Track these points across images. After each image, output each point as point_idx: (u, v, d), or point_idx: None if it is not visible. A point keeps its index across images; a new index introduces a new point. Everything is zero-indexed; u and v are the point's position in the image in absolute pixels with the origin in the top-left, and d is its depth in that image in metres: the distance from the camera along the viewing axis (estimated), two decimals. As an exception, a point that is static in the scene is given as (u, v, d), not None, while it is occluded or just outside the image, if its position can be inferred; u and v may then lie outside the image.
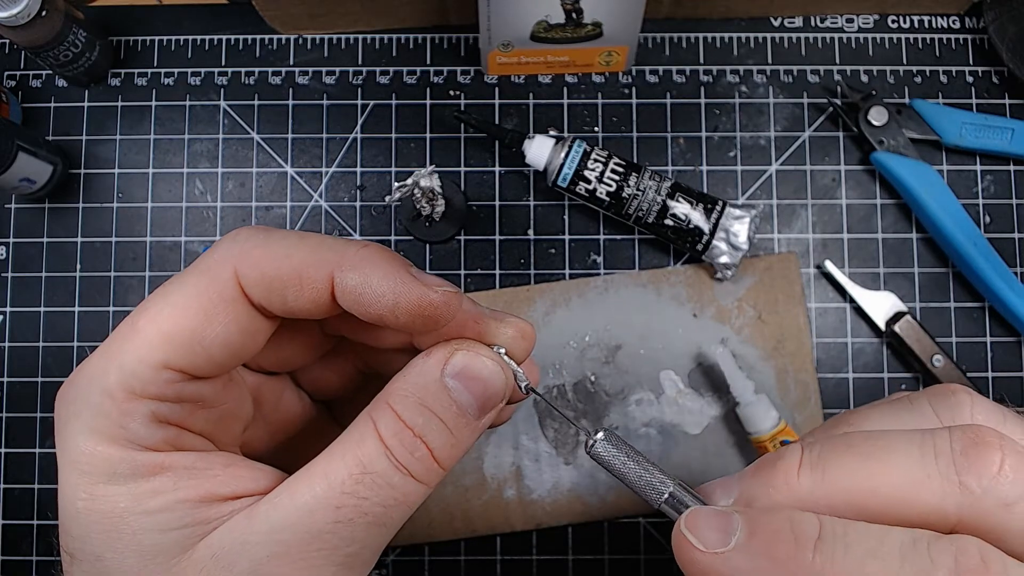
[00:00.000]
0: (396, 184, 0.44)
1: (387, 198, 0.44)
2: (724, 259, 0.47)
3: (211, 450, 0.25)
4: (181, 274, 0.25)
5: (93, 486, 0.23)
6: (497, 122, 0.52)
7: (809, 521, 0.19)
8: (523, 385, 0.25)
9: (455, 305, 0.24)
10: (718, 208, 0.47)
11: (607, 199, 0.48)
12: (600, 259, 0.51)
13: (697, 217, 0.47)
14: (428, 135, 0.52)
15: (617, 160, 0.48)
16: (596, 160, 0.47)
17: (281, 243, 0.24)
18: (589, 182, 0.47)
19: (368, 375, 0.32)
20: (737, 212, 0.47)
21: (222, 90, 0.52)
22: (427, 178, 0.43)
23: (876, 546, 0.18)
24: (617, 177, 0.47)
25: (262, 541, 0.23)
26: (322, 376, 0.31)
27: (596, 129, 0.52)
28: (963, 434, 0.20)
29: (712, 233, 0.47)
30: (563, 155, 0.47)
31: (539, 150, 0.48)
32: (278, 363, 0.29)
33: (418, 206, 0.47)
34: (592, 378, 0.49)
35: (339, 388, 0.32)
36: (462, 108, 0.52)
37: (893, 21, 0.52)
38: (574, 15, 0.46)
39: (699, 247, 0.47)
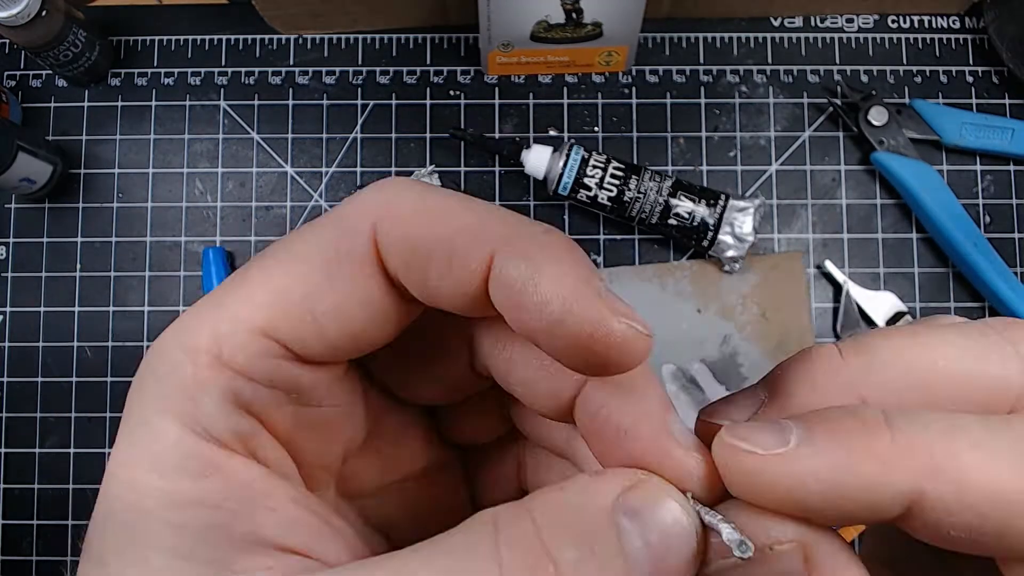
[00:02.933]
0: None
1: None
2: (731, 252, 0.47)
3: (287, 475, 0.19)
4: (314, 223, 0.19)
5: (133, 468, 0.17)
6: (497, 123, 0.52)
7: (870, 408, 0.15)
8: (735, 546, 0.15)
9: (640, 350, 0.16)
10: (721, 202, 0.47)
11: (609, 204, 0.48)
12: (600, 259, 0.51)
13: (702, 212, 0.47)
14: (428, 135, 0.52)
15: (616, 164, 0.48)
16: (595, 166, 0.47)
17: (440, 202, 0.18)
18: (590, 189, 0.47)
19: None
20: (741, 204, 0.47)
21: (222, 90, 0.52)
22: (427, 178, 0.43)
23: (955, 421, 0.15)
24: (617, 181, 0.47)
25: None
26: (463, 418, 0.23)
27: (596, 129, 0.52)
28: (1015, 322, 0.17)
29: (717, 227, 0.47)
30: (561, 164, 0.47)
31: (537, 160, 0.48)
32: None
33: None
34: (592, 378, 0.49)
35: (481, 435, 0.24)
36: (461, 108, 0.52)
37: (893, 21, 0.52)
38: (574, 15, 0.46)
39: (705, 243, 0.48)
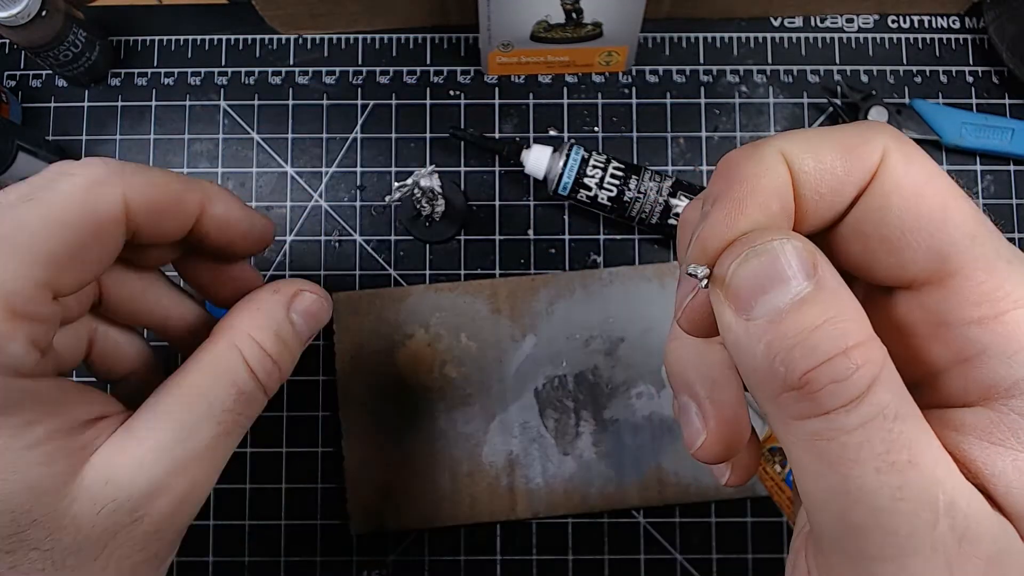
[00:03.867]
0: (396, 184, 0.44)
1: (387, 198, 0.44)
2: None
3: (66, 384, 0.26)
4: (48, 186, 0.25)
5: None
6: (497, 123, 0.52)
7: None
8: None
9: (270, 231, 0.32)
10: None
11: (609, 204, 0.48)
12: (600, 259, 0.51)
13: (697, 217, 0.47)
14: (428, 135, 0.52)
15: (616, 164, 0.48)
16: (595, 166, 0.47)
17: (157, 175, 0.27)
18: (590, 189, 0.47)
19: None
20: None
21: (222, 90, 0.52)
22: (427, 178, 0.43)
23: (822, 128, 0.20)
24: (617, 182, 0.47)
25: (155, 459, 0.25)
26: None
27: (596, 129, 0.52)
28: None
29: (713, 232, 0.47)
30: (561, 164, 0.47)
31: (537, 161, 0.48)
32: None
33: (418, 206, 0.47)
34: (594, 369, 0.49)
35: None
36: (461, 108, 0.52)
37: (893, 21, 0.52)
38: (574, 15, 0.46)
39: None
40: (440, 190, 0.45)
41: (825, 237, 0.21)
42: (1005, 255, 0.18)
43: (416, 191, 0.45)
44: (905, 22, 0.52)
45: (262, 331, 0.29)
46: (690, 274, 0.19)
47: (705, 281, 0.19)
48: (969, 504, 0.17)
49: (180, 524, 0.27)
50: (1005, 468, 0.17)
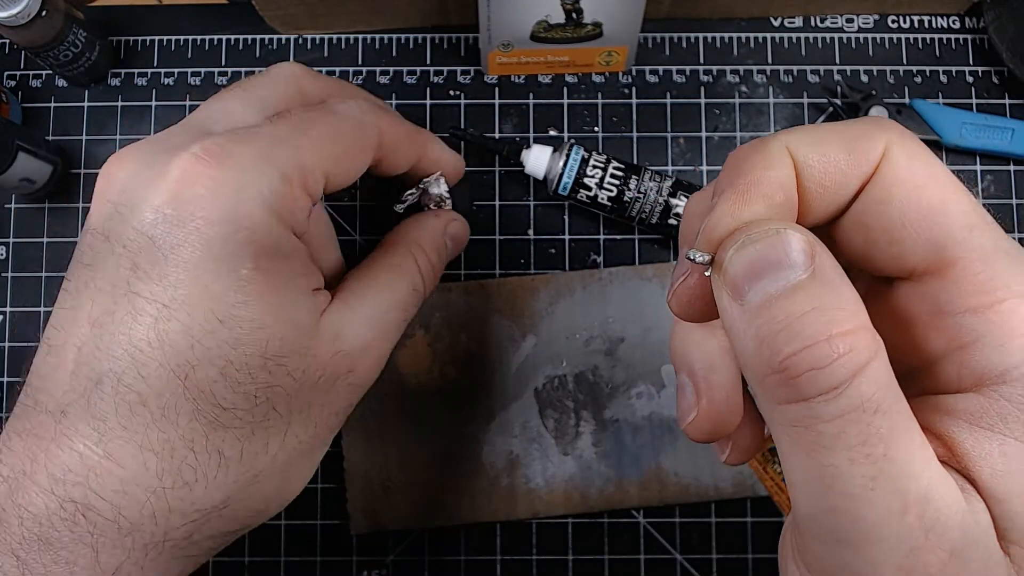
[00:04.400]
0: (407, 192, 0.44)
1: (397, 207, 0.44)
2: None
3: (313, 240, 0.36)
4: (337, 106, 0.35)
5: (261, 258, 0.29)
6: (497, 123, 0.52)
7: None
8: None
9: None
10: (718, 207, 0.47)
11: (609, 204, 0.48)
12: (600, 259, 0.51)
13: (697, 217, 0.47)
14: (428, 135, 0.52)
15: (616, 164, 0.48)
16: (595, 166, 0.47)
17: (392, 117, 0.39)
18: (590, 189, 0.47)
19: None
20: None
21: (222, 90, 0.52)
22: (435, 184, 0.43)
23: (826, 124, 0.24)
24: (617, 182, 0.47)
25: (367, 326, 0.34)
26: None
27: (596, 129, 0.52)
28: None
29: (713, 232, 0.47)
30: (561, 164, 0.47)
31: (537, 161, 0.48)
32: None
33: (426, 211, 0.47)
34: (594, 369, 0.49)
35: None
36: (461, 108, 0.52)
37: (893, 21, 0.52)
38: (574, 15, 0.46)
39: (701, 246, 0.47)
40: (448, 195, 0.45)
41: (828, 229, 0.22)
42: (1003, 247, 0.19)
43: (425, 198, 0.45)
44: (905, 22, 0.52)
45: (429, 244, 0.39)
46: (688, 258, 0.20)
47: (708, 268, 0.20)
48: (943, 498, 0.17)
49: (368, 383, 0.34)
50: (991, 452, 0.18)
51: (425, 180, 0.43)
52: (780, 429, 0.18)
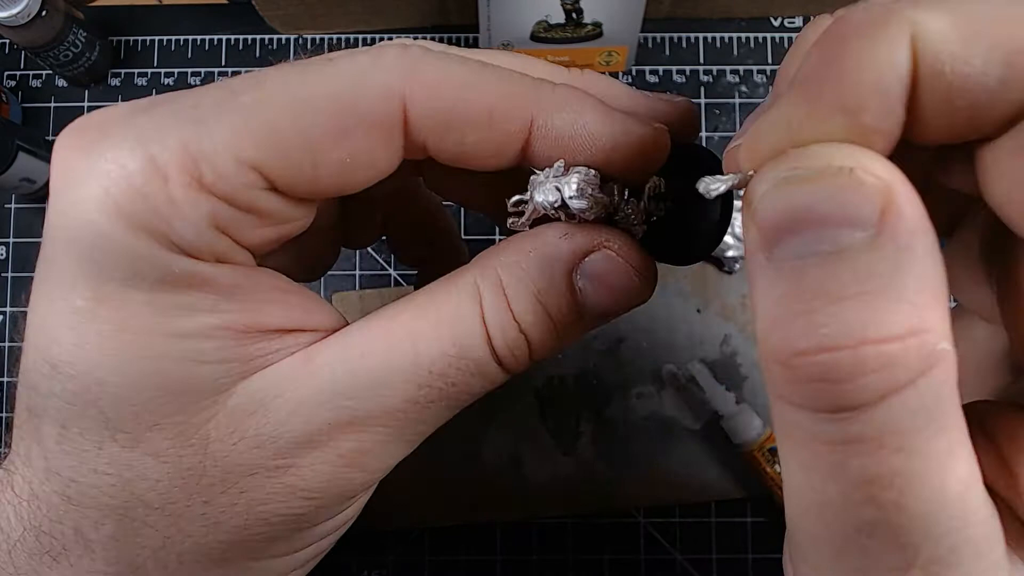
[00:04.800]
0: (517, 196, 0.23)
1: (510, 222, 0.22)
2: (731, 252, 0.47)
3: (256, 267, 0.20)
4: (317, 69, 0.18)
5: (102, 283, 0.18)
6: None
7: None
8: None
9: (664, 142, 0.19)
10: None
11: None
12: (600, 259, 0.51)
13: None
14: (428, 135, 0.51)
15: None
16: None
17: (463, 68, 0.18)
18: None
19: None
20: (741, 204, 0.47)
21: (222, 90, 0.52)
22: (547, 183, 0.23)
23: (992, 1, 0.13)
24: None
25: (323, 402, 0.19)
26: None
27: (596, 129, 0.52)
28: None
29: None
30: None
31: None
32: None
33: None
34: (594, 369, 0.49)
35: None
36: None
37: (893, 21, 0.52)
38: (574, 15, 0.46)
39: (703, 244, 0.47)
40: (590, 201, 0.22)
41: (970, 148, 0.15)
42: None
43: (539, 207, 0.26)
44: (905, 22, 0.52)
45: (519, 285, 0.19)
46: (699, 190, 0.15)
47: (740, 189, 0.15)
48: (967, 565, 0.13)
49: (342, 488, 0.20)
50: None
51: (535, 177, 0.21)
52: (778, 427, 0.14)
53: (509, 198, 0.20)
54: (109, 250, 0.17)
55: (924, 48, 0.13)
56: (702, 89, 0.52)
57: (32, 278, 0.21)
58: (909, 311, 0.12)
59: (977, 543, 0.13)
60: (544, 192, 0.19)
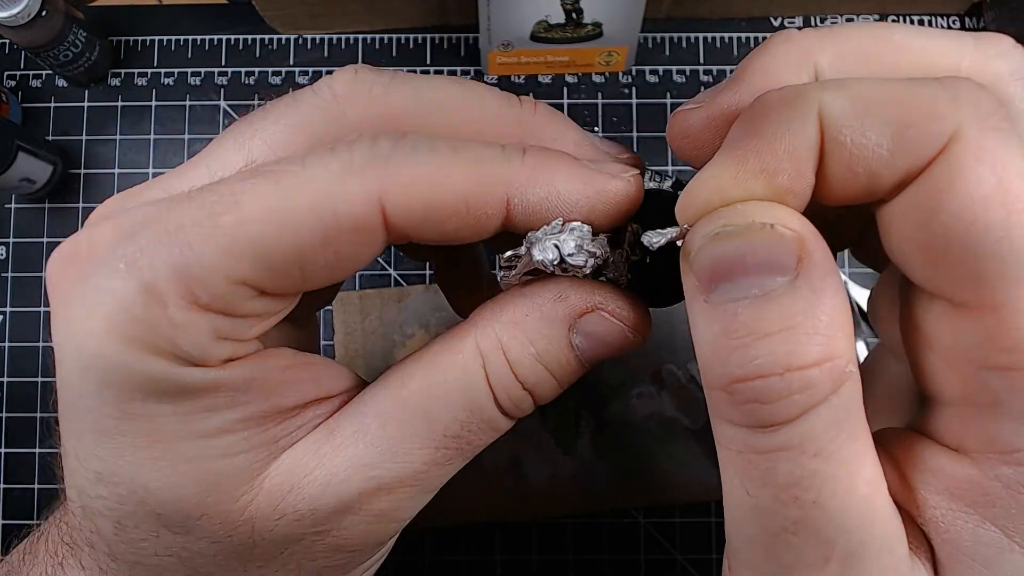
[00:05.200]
0: (511, 252, 0.22)
1: (502, 277, 0.22)
2: None
3: (261, 352, 0.21)
4: (301, 170, 0.18)
5: (125, 402, 0.19)
6: (497, 122, 0.52)
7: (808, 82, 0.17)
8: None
9: (636, 189, 0.21)
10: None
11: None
12: (600, 259, 0.51)
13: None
14: (428, 135, 0.51)
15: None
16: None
17: (433, 159, 0.19)
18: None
19: None
20: None
21: (222, 90, 0.52)
22: (545, 242, 0.22)
23: (884, 83, 0.16)
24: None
25: (351, 476, 0.20)
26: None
27: (596, 129, 0.52)
28: (986, 35, 0.18)
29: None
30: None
31: None
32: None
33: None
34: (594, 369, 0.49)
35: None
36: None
37: (893, 21, 0.52)
38: (574, 15, 0.46)
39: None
40: (587, 257, 0.24)
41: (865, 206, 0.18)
42: None
43: (533, 263, 0.25)
44: (905, 22, 0.52)
45: (520, 348, 0.21)
46: (643, 242, 0.18)
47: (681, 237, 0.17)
48: (876, 557, 0.16)
49: (378, 538, 0.22)
50: (962, 533, 0.16)
51: (532, 234, 0.21)
52: (719, 443, 0.17)
53: (501, 253, 0.21)
54: (124, 375, 0.18)
55: (828, 123, 0.16)
56: (702, 89, 0.52)
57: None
58: (823, 341, 0.15)
59: (884, 539, 0.16)
60: (543, 250, 0.20)
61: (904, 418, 0.21)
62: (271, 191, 0.18)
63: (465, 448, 0.22)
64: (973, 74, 0.17)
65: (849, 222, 0.18)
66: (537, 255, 0.20)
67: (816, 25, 0.52)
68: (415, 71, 0.52)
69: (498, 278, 0.21)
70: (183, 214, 0.18)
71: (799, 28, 0.18)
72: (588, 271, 0.20)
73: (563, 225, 0.20)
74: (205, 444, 0.20)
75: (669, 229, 0.18)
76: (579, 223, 0.20)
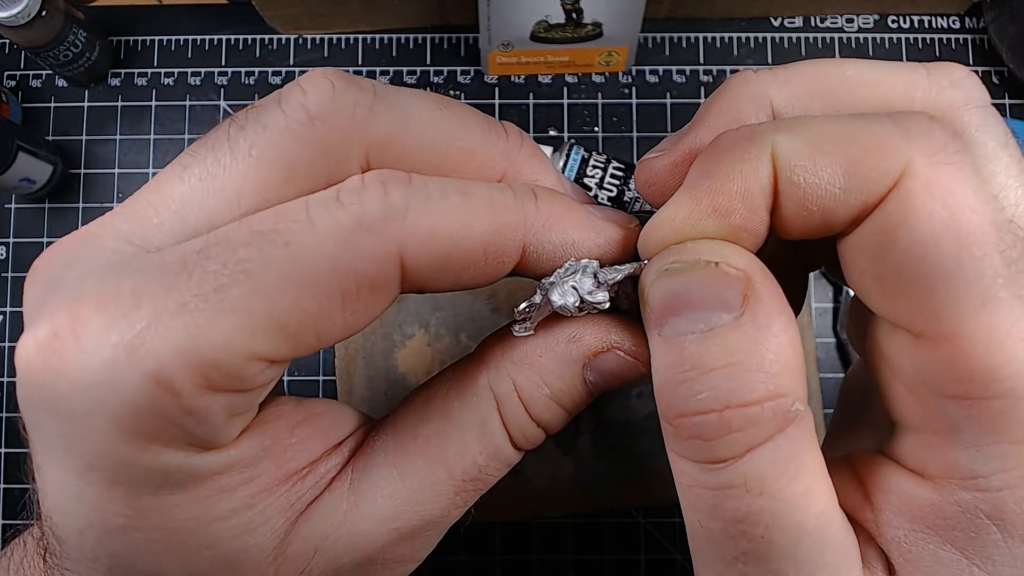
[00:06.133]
0: (524, 302, 0.22)
1: (516, 329, 0.22)
2: None
3: (264, 413, 0.20)
4: (310, 230, 0.17)
5: (136, 499, 0.18)
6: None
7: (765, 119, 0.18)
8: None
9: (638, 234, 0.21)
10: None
11: (609, 204, 0.48)
12: (600, 259, 0.51)
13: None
14: (428, 135, 0.51)
15: (616, 164, 0.48)
16: (595, 166, 0.47)
17: (449, 208, 0.18)
18: (590, 189, 0.47)
19: None
20: None
21: (222, 90, 0.52)
22: (564, 284, 0.22)
23: (835, 121, 0.16)
24: (617, 182, 0.47)
25: (372, 531, 0.20)
26: None
27: (596, 129, 0.52)
28: (939, 65, 0.18)
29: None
30: (561, 164, 0.47)
31: None
32: None
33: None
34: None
35: None
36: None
37: (893, 21, 0.52)
38: (574, 15, 0.46)
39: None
40: (605, 296, 0.24)
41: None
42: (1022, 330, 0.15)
43: (550, 306, 0.25)
44: (905, 22, 0.52)
45: (535, 389, 0.21)
46: (596, 277, 0.19)
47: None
48: None
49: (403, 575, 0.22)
50: (923, 557, 0.16)
51: (546, 280, 0.21)
52: (673, 473, 0.17)
53: (516, 306, 0.21)
54: (134, 472, 0.17)
55: (781, 163, 0.16)
56: (702, 89, 0.52)
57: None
58: (766, 379, 0.15)
59: (835, 567, 0.16)
60: (562, 294, 0.20)
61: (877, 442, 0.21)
62: (280, 256, 0.16)
63: (481, 487, 0.22)
64: (927, 105, 0.17)
65: (820, 243, 0.18)
66: (557, 300, 0.20)
67: (815, 25, 0.52)
68: (415, 71, 0.52)
69: (513, 331, 0.21)
70: (182, 289, 0.16)
71: (755, 71, 0.19)
72: (606, 307, 0.20)
73: (575, 264, 0.20)
74: (223, 526, 0.19)
75: (626, 265, 0.19)
76: (588, 260, 0.20)
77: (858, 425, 0.22)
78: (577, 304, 0.20)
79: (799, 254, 0.20)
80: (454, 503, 0.21)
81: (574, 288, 0.19)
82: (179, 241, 0.17)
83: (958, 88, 0.18)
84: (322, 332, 0.17)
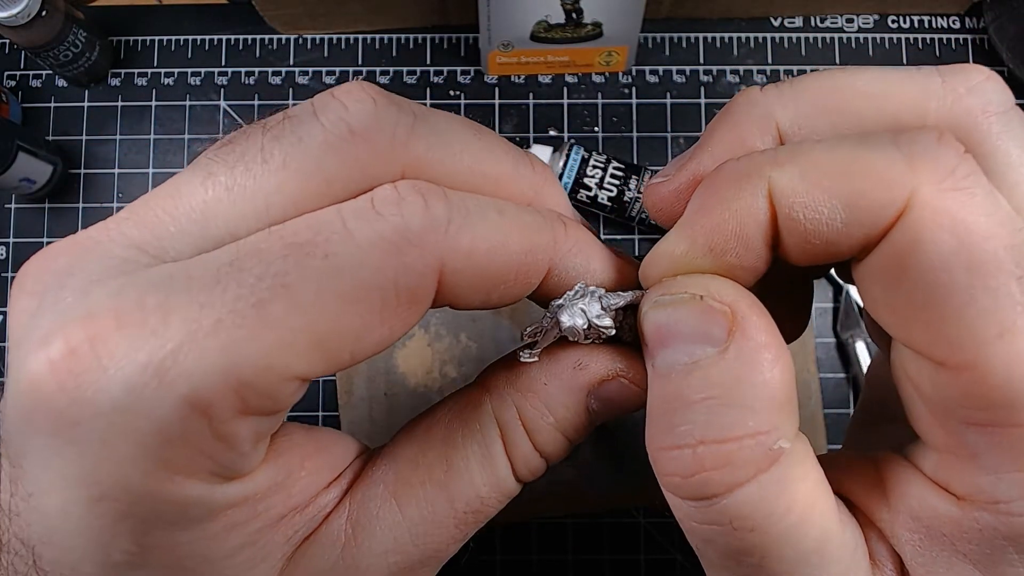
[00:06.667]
0: (531, 325, 0.23)
1: (523, 355, 0.21)
2: None
3: (277, 442, 0.19)
4: (349, 242, 0.16)
5: (145, 535, 0.16)
6: (497, 123, 0.52)
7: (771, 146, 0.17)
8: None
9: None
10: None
11: (609, 204, 0.48)
12: (600, 259, 0.51)
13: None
14: (428, 135, 0.51)
15: (616, 164, 0.48)
16: (595, 166, 0.47)
17: (487, 226, 0.17)
18: (590, 189, 0.47)
19: None
20: None
21: (222, 90, 0.52)
22: (572, 306, 0.23)
23: (835, 149, 0.16)
24: (617, 182, 0.47)
25: (372, 565, 0.19)
26: None
27: (596, 129, 0.52)
28: (955, 69, 0.17)
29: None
30: (561, 164, 0.47)
31: None
32: None
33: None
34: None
35: None
36: (462, 108, 0.52)
37: (893, 21, 0.52)
38: (574, 15, 0.46)
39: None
40: (612, 322, 0.24)
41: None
42: None
43: (558, 329, 0.26)
44: (905, 22, 0.52)
45: (539, 418, 0.20)
46: (594, 320, 0.19)
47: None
48: None
49: None
50: (937, 566, 0.16)
51: (555, 302, 0.21)
52: (665, 497, 0.17)
53: (523, 330, 0.21)
54: (151, 505, 0.16)
55: (779, 200, 0.16)
56: (702, 89, 0.52)
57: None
58: (746, 415, 0.15)
59: None
60: (571, 315, 0.20)
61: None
62: (320, 268, 0.15)
63: (480, 520, 0.21)
64: (942, 116, 0.17)
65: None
66: (567, 321, 0.20)
67: (815, 25, 0.52)
68: (415, 71, 0.52)
69: (519, 357, 0.20)
70: (217, 305, 0.15)
71: (761, 88, 0.18)
72: (612, 333, 0.20)
73: (584, 288, 0.20)
74: (228, 563, 0.18)
75: (628, 292, 0.19)
76: (596, 286, 0.20)
77: (882, 418, 0.22)
78: (585, 327, 0.20)
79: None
80: (454, 536, 0.21)
81: (583, 311, 0.19)
82: (198, 252, 0.16)
83: (975, 94, 0.17)
84: (357, 348, 0.17)
